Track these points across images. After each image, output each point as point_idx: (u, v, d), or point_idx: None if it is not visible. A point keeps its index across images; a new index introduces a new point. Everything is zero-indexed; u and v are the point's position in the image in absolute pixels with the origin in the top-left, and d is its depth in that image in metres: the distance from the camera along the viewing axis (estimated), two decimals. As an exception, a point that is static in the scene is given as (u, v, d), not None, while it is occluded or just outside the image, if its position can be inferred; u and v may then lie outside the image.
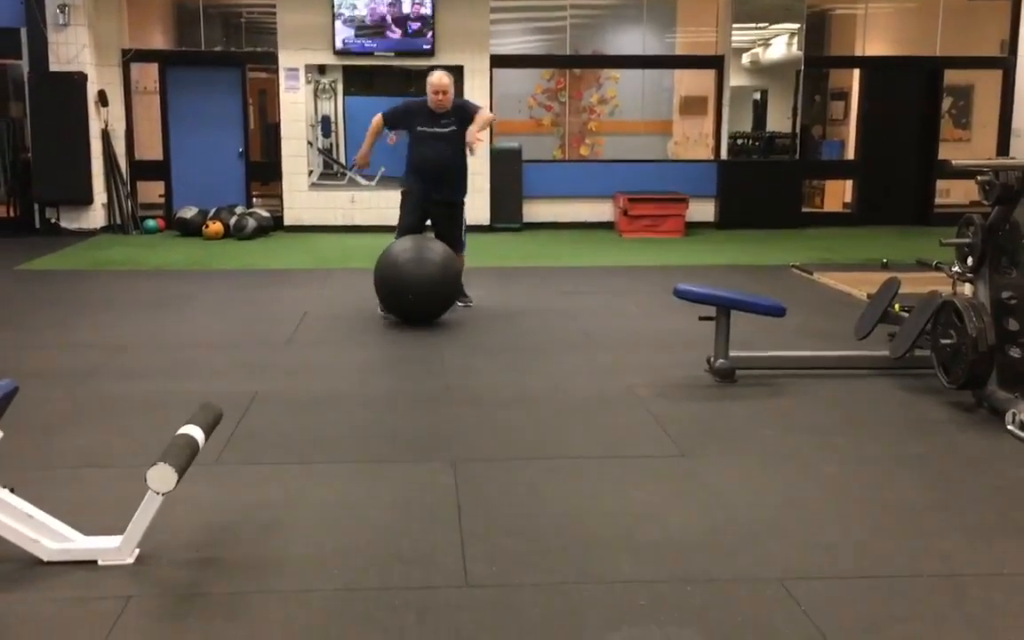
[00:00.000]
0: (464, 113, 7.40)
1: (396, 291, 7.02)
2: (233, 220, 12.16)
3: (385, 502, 3.84)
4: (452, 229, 7.57)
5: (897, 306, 6.08)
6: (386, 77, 13.55)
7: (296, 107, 12.90)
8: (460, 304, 7.61)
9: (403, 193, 7.58)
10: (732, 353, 5.58)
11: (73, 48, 12.06)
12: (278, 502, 3.83)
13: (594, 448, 4.52)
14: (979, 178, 5.08)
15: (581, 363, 6.05)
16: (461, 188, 7.61)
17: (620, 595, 3.08)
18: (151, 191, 13.35)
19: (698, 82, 13.95)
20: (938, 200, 13.80)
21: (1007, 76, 13.67)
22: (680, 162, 13.75)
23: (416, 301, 6.96)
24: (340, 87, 13.73)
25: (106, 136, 12.51)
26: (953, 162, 4.95)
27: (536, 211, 13.20)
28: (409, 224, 7.44)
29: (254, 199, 13.46)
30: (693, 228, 12.72)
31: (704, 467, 4.26)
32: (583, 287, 8.92)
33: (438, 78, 7.34)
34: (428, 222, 7.64)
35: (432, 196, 7.42)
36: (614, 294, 8.63)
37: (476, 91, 12.84)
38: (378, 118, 7.50)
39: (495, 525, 3.62)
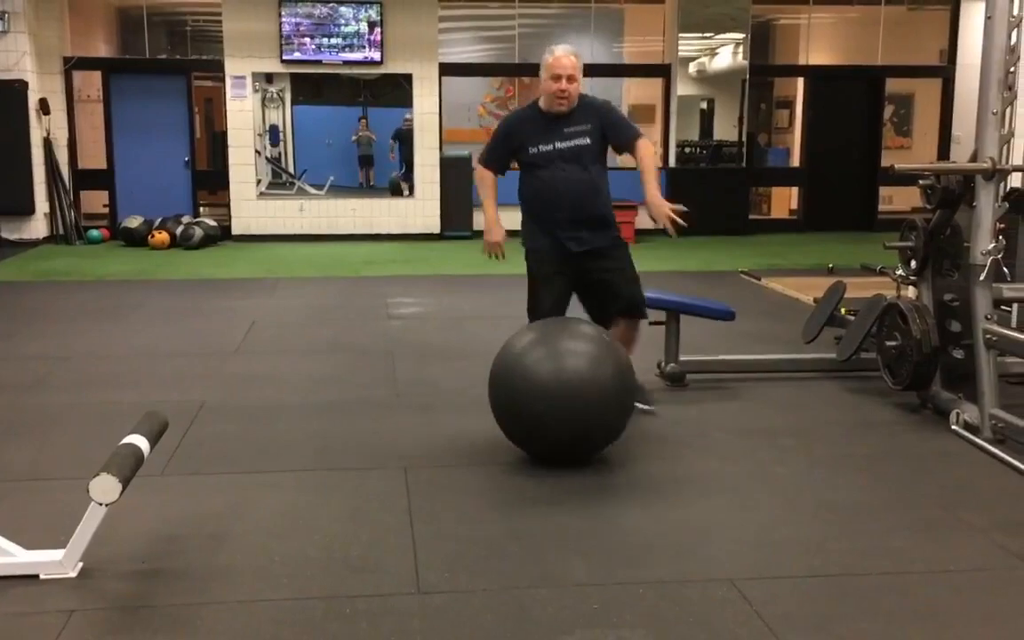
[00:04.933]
0: (612, 127, 4.75)
1: (530, 419, 4.15)
2: (179, 229, 11.99)
3: (335, 510, 3.80)
4: (622, 286, 4.82)
5: (843, 310, 6.15)
6: (335, 86, 13.49)
7: (243, 115, 12.76)
8: (642, 407, 4.90)
9: (529, 256, 4.79)
10: (682, 357, 5.61)
11: (13, 55, 11.83)
12: (226, 512, 3.77)
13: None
14: (921, 182, 5.17)
15: (532, 369, 6.04)
16: (611, 220, 4.82)
17: (573, 598, 3.07)
18: (95, 201, 13.13)
19: (646, 91, 14.07)
20: (881, 207, 14.04)
21: (946, 84, 13.95)
22: (629, 170, 13.72)
23: (572, 434, 4.13)
24: (288, 96, 13.64)
25: (48, 145, 12.27)
26: (896, 166, 5.02)
27: (486, 219, 13.16)
28: (549, 309, 4.66)
29: (201, 208, 13.30)
30: (642, 235, 12.79)
31: (656, 470, 4.27)
32: (534, 294, 8.90)
33: (558, 58, 4.61)
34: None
35: (572, 249, 4.67)
36: (565, 301, 8.64)
37: (425, 99, 12.82)
38: (479, 170, 4.89)
39: (447, 531, 3.59)
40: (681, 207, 4.59)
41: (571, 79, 4.60)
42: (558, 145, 4.65)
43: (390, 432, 4.83)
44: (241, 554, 3.41)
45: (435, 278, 9.86)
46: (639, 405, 4.75)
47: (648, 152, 4.72)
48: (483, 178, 4.84)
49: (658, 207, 4.57)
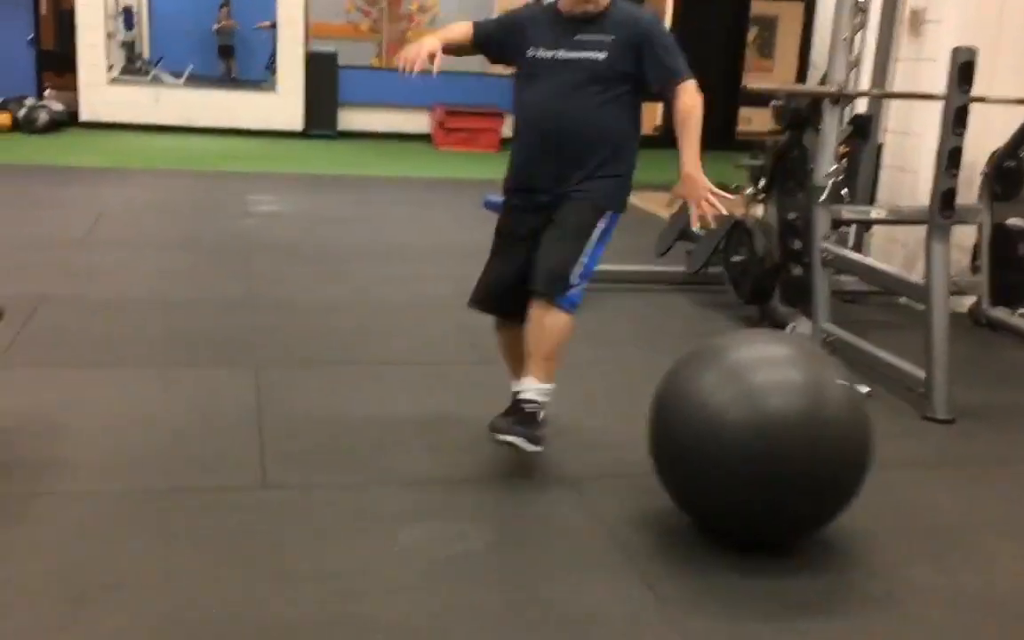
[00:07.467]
0: (649, 56, 3.35)
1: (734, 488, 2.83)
2: (23, 112, 11.32)
3: (182, 407, 3.74)
4: (549, 244, 3.34)
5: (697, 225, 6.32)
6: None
7: (94, -7, 12.04)
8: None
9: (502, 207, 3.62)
10: (538, 265, 5.68)
11: None
12: (63, 406, 3.67)
13: (398, 355, 4.54)
14: (772, 103, 5.33)
15: (390, 272, 6.03)
16: (597, 171, 3.33)
17: (415, 494, 3.13)
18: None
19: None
20: (741, 127, 14.38)
21: (808, 9, 14.29)
22: (498, 76, 13.69)
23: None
24: (144, -24, 12.96)
25: None
26: (748, 85, 5.17)
27: (352, 119, 12.91)
28: (495, 279, 3.47)
29: (47, 91, 12.57)
30: (509, 143, 12.80)
31: (501, 373, 4.33)
32: (396, 198, 8.85)
33: None
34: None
35: (539, 197, 3.42)
36: (426, 206, 8.62)
37: (290, -10, 12.39)
38: (465, 27, 3.43)
39: (296, 429, 3.59)
40: (726, 194, 3.37)
41: None
42: (561, 54, 3.29)
43: (241, 330, 4.76)
44: (77, 447, 3.33)
45: (296, 177, 9.65)
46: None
47: (689, 105, 3.40)
48: (461, 33, 3.42)
49: (694, 185, 3.29)
